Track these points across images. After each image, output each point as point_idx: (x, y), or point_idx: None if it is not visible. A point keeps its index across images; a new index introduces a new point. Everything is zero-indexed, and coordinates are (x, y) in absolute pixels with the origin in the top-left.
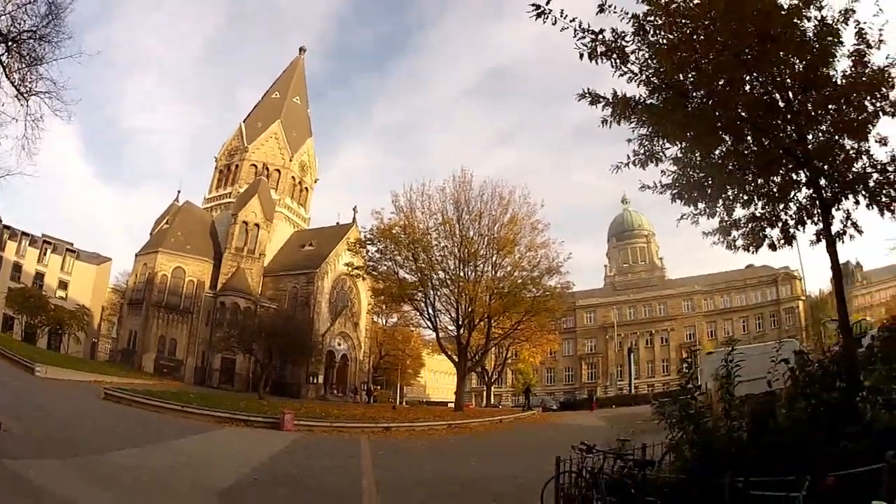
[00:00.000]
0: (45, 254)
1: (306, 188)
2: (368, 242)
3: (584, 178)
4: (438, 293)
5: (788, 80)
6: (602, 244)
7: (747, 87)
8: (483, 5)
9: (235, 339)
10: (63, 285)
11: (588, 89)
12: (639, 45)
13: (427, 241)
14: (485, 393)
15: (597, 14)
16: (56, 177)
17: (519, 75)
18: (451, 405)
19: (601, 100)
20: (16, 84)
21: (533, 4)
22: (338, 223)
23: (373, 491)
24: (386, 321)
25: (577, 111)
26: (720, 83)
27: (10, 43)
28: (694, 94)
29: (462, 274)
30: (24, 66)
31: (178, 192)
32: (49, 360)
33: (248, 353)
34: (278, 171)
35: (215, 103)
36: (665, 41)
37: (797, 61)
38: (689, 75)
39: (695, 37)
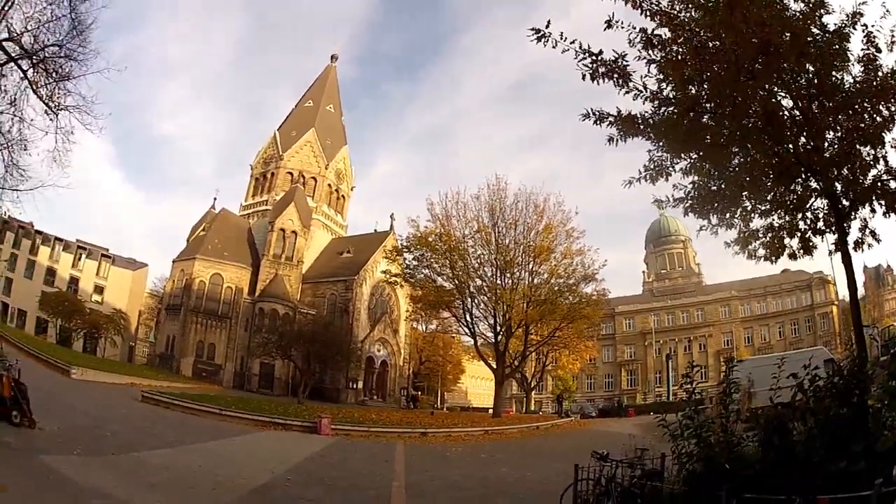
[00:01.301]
0: (79, 259)
1: (343, 196)
2: (405, 250)
3: (618, 182)
4: (476, 300)
5: (797, 90)
6: (639, 250)
7: (757, 98)
8: (510, 10)
9: (274, 345)
10: (99, 290)
11: (591, 109)
12: (648, 59)
13: (463, 248)
14: (524, 399)
15: (604, 30)
16: (87, 183)
17: (550, 79)
18: (491, 411)
19: (606, 118)
20: (44, 99)
21: (532, 29)
22: (375, 230)
23: (402, 493)
24: (426, 327)
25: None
26: (730, 95)
27: (34, 59)
28: (705, 106)
29: (499, 282)
30: (51, 81)
31: (214, 199)
32: (85, 362)
33: (287, 359)
34: (314, 179)
35: (244, 110)
36: (672, 55)
37: (803, 70)
38: (700, 88)
39: (701, 49)
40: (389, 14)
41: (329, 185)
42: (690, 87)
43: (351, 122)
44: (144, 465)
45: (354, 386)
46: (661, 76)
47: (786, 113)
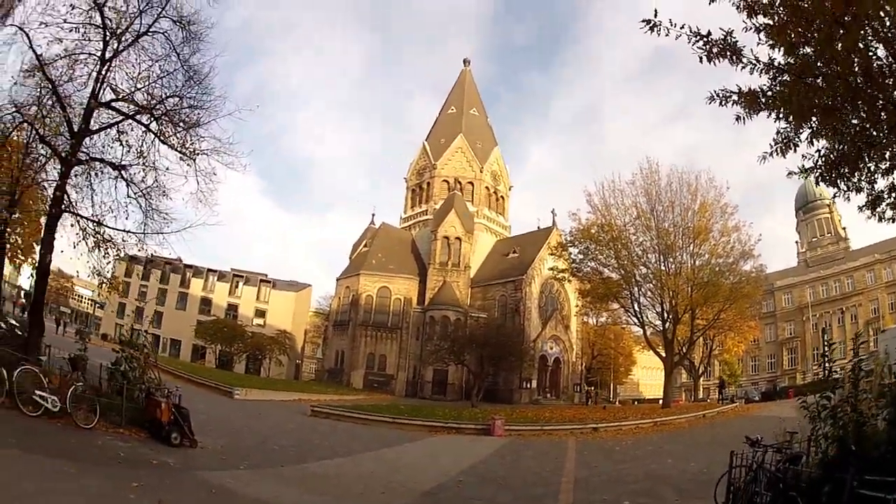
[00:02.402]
0: (236, 286)
1: (501, 196)
2: (570, 244)
3: (762, 147)
4: (642, 289)
5: (890, 38)
6: (789, 217)
7: (857, 52)
8: None
9: (447, 351)
10: (260, 313)
11: (715, 91)
12: (755, 27)
13: (626, 237)
14: (693, 387)
15: (710, 3)
16: (237, 214)
17: (681, 43)
18: (661, 402)
19: (730, 98)
20: (177, 148)
21: (644, 21)
22: (538, 227)
23: (570, 489)
24: (596, 320)
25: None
26: (831, 53)
27: (154, 113)
28: (815, 69)
29: (663, 267)
30: (180, 131)
31: (373, 214)
32: (248, 383)
33: (461, 364)
34: (471, 183)
35: (387, 123)
36: (775, 19)
37: (884, 13)
38: (806, 50)
39: (798, 9)
40: (510, 4)
41: (486, 187)
42: (798, 49)
43: (497, 120)
44: (314, 474)
45: (528, 385)
46: (770, 43)
47: (883, 63)
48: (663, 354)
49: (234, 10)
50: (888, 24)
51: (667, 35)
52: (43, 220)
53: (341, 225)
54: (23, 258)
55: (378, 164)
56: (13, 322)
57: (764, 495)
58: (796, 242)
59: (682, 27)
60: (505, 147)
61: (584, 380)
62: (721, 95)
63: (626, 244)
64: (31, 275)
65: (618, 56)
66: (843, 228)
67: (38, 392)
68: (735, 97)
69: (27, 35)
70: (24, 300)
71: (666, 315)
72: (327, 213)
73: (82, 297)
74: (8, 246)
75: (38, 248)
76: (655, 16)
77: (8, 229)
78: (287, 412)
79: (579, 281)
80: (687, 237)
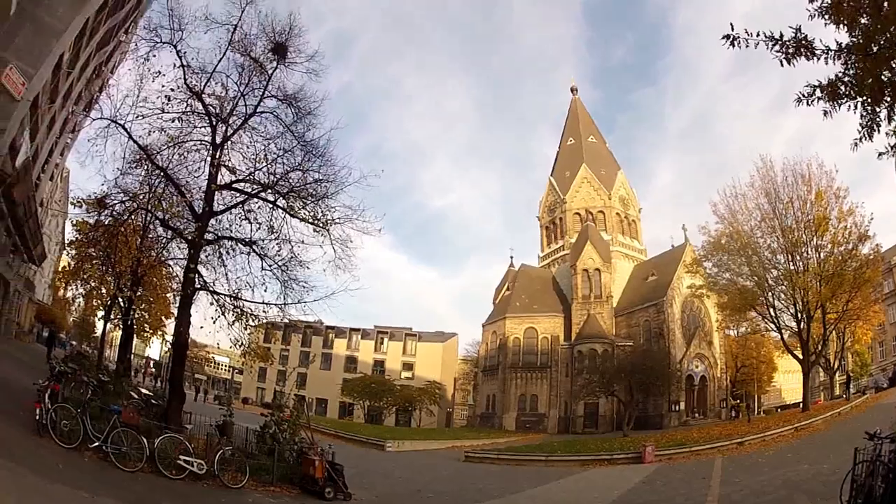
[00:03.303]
0: (381, 342)
1: (633, 220)
2: (703, 259)
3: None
4: (775, 292)
5: None
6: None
7: None
8: None
9: (596, 384)
10: (407, 366)
11: (801, 93)
12: (818, 10)
13: (754, 242)
14: (830, 385)
15: None
16: (377, 272)
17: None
18: (801, 405)
19: (813, 94)
20: (308, 220)
21: (724, 36)
22: (672, 245)
23: None
24: (737, 332)
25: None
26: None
27: (276, 191)
28: (886, 48)
29: (791, 267)
30: (309, 203)
31: (511, 258)
32: (399, 435)
33: (611, 395)
34: (602, 212)
35: (510, 164)
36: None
37: None
38: (863, 22)
39: None
40: (599, 26)
41: (617, 213)
42: (857, 23)
43: (616, 144)
44: None
45: (676, 408)
46: (833, 22)
47: None
48: (800, 357)
49: (339, 77)
50: None
51: (746, 46)
52: (170, 296)
53: (481, 270)
54: (150, 332)
55: (509, 205)
56: (146, 392)
57: (880, 487)
58: None
59: (758, 34)
60: (628, 170)
61: (729, 394)
62: (806, 95)
63: (756, 249)
64: (162, 346)
65: (715, 54)
66: None
67: (182, 457)
68: (818, 92)
69: (123, 127)
70: (153, 370)
71: (799, 315)
72: (465, 261)
73: (219, 363)
74: (135, 321)
75: (167, 322)
76: (732, 29)
77: (133, 306)
78: (441, 460)
79: (717, 294)
80: (809, 230)
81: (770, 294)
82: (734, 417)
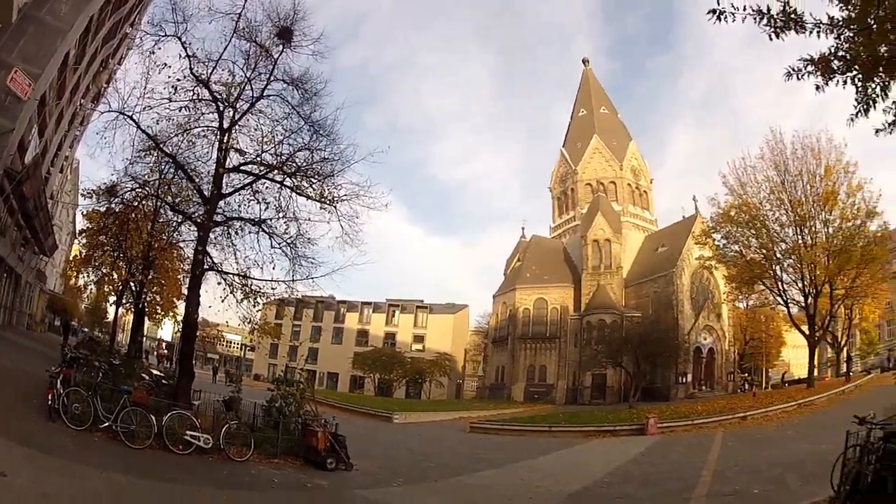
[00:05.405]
0: (393, 316)
1: (644, 191)
2: (713, 231)
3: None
4: (783, 266)
5: None
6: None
7: None
8: None
9: (604, 355)
10: (418, 339)
11: (791, 67)
12: None
13: (762, 215)
14: (836, 361)
15: None
16: (389, 246)
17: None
18: (807, 381)
19: (805, 69)
20: (315, 198)
21: (710, 11)
22: (683, 216)
23: (707, 481)
24: (746, 304)
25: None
26: None
27: (283, 171)
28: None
29: (800, 240)
30: (316, 182)
31: (523, 228)
32: (408, 407)
33: (618, 366)
34: (613, 183)
35: (525, 137)
36: None
37: None
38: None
39: None
40: None
41: (628, 184)
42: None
43: (629, 114)
44: (466, 486)
45: (683, 380)
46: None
47: None
48: (806, 332)
49: (354, 53)
50: None
51: (733, 21)
52: (180, 277)
53: (496, 242)
54: (162, 314)
55: (523, 176)
56: (157, 373)
57: (867, 476)
58: None
59: (745, 9)
60: (641, 140)
61: (737, 367)
62: (797, 70)
63: (764, 222)
64: (174, 327)
65: (723, 28)
66: None
67: (189, 432)
68: (810, 67)
69: (131, 118)
70: (165, 350)
71: (807, 289)
72: (481, 233)
73: (231, 342)
74: (146, 304)
75: (178, 303)
76: (718, 3)
77: (144, 290)
78: (446, 431)
79: (725, 267)
80: (818, 205)
81: (778, 267)
82: (743, 390)
